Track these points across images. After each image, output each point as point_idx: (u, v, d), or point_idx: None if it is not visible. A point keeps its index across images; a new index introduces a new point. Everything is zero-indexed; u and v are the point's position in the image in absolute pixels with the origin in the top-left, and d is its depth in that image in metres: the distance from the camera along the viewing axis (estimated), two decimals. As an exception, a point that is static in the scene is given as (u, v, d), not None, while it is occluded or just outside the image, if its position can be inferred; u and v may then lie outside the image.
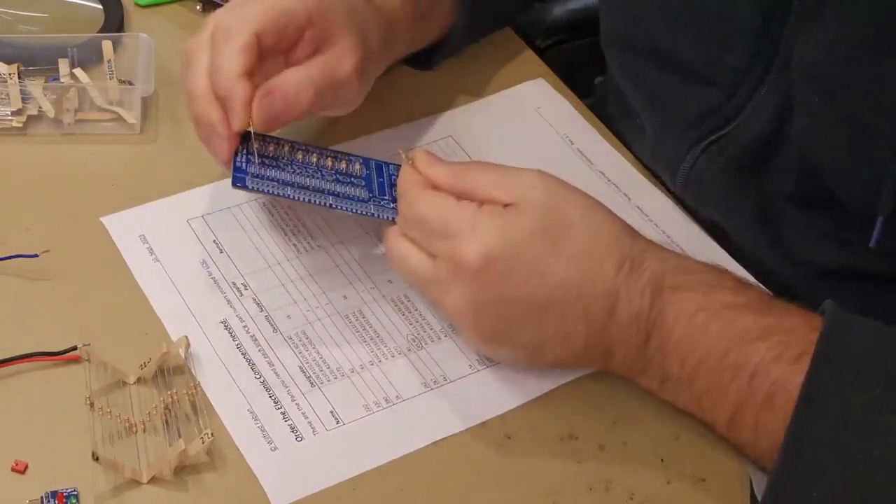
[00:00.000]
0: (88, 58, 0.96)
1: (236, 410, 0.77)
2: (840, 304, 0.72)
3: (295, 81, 0.80)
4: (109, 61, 0.96)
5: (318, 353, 0.80)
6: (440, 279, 0.75)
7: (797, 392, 0.69)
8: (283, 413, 0.77)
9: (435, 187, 0.77)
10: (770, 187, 0.84)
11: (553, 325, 0.74)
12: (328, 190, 0.81)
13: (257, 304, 0.82)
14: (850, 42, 0.75)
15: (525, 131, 0.96)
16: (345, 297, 0.83)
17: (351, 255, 0.86)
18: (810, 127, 0.79)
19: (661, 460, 0.76)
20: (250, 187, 0.80)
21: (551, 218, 0.74)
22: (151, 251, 0.85)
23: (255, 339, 0.81)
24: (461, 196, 0.75)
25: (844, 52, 0.75)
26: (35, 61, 0.95)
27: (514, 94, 0.99)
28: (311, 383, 0.78)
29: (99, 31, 0.99)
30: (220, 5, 1.01)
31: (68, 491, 0.71)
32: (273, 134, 0.82)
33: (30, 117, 0.92)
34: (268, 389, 0.78)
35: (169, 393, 0.75)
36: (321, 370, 0.79)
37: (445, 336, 0.82)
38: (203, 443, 0.72)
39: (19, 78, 0.93)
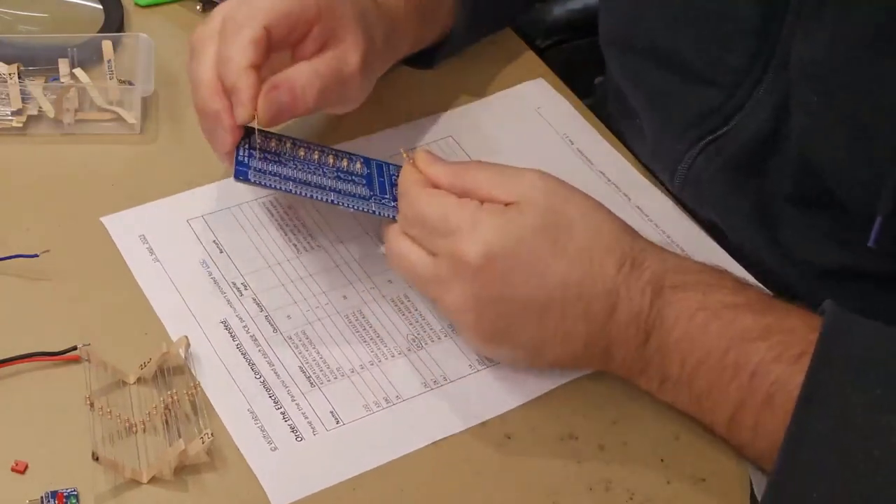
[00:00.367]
0: (88, 58, 0.96)
1: (236, 410, 0.77)
2: (840, 304, 0.72)
3: (301, 77, 0.80)
4: (109, 61, 0.96)
5: (318, 353, 0.80)
6: (440, 277, 0.75)
7: (797, 392, 0.69)
8: (283, 413, 0.77)
9: (436, 186, 0.77)
10: (768, 187, 0.84)
11: (553, 325, 0.74)
12: (330, 187, 0.81)
13: (257, 304, 0.82)
14: (849, 42, 0.75)
15: (525, 131, 0.96)
16: (345, 297, 0.83)
17: (351, 255, 0.86)
18: (809, 127, 0.79)
19: (661, 460, 0.76)
20: (252, 180, 0.80)
21: (552, 217, 0.74)
22: (151, 251, 0.85)
23: (255, 339, 0.81)
24: (462, 195, 0.76)
25: (843, 51, 0.75)
26: (35, 61, 0.95)
27: (514, 94, 0.99)
28: (311, 383, 0.78)
29: (99, 31, 0.99)
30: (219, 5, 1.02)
31: (68, 491, 0.71)
32: (274, 130, 0.82)
33: (30, 117, 0.92)
34: (268, 389, 0.78)
35: (169, 393, 0.75)
36: (321, 370, 0.79)
37: (445, 336, 0.82)
38: (203, 443, 0.72)
39: (19, 78, 0.93)
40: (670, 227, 0.89)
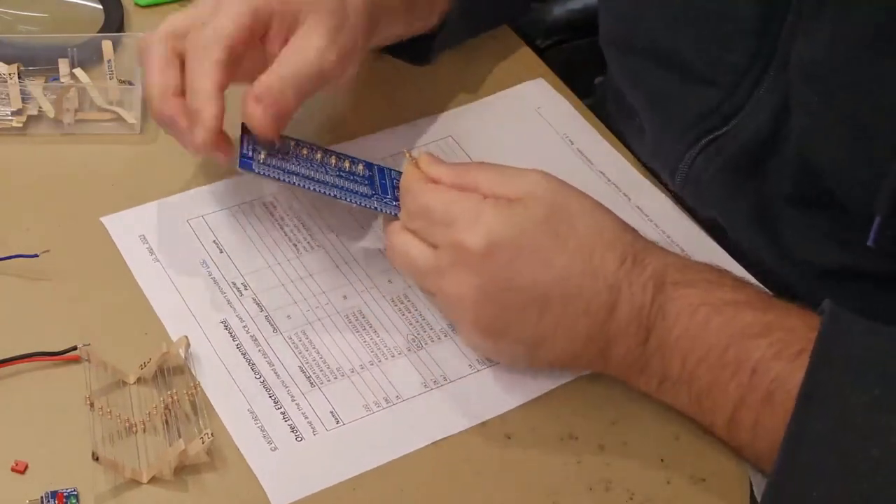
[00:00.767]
0: (88, 58, 0.96)
1: (236, 410, 0.77)
2: (839, 303, 0.72)
3: (274, 81, 0.79)
4: (109, 61, 0.96)
5: (318, 353, 0.80)
6: (441, 268, 0.75)
7: (796, 390, 0.69)
8: (283, 413, 0.77)
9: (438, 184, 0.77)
10: (768, 187, 0.84)
11: (553, 320, 0.74)
12: (332, 183, 0.81)
13: (257, 304, 0.82)
14: (849, 42, 0.75)
15: (525, 131, 0.96)
16: (345, 297, 0.83)
17: (351, 255, 0.86)
18: (809, 127, 0.79)
19: (661, 460, 0.76)
20: (256, 170, 0.80)
21: (555, 211, 0.74)
22: (151, 251, 0.85)
23: (255, 339, 0.81)
24: (463, 191, 0.76)
25: (843, 51, 0.75)
26: (35, 61, 0.95)
27: (514, 94, 0.99)
28: (311, 383, 0.78)
29: (99, 31, 0.99)
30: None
31: (68, 491, 0.71)
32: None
33: (30, 117, 0.92)
34: (268, 389, 0.78)
35: (169, 393, 0.75)
36: (321, 370, 0.79)
37: (445, 336, 0.82)
38: (203, 443, 0.72)
39: (19, 78, 0.93)
40: (670, 227, 0.89)
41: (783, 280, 0.84)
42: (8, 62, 0.93)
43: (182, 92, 0.80)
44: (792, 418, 0.69)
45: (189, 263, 0.85)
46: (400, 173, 0.82)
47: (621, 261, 0.74)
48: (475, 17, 1.00)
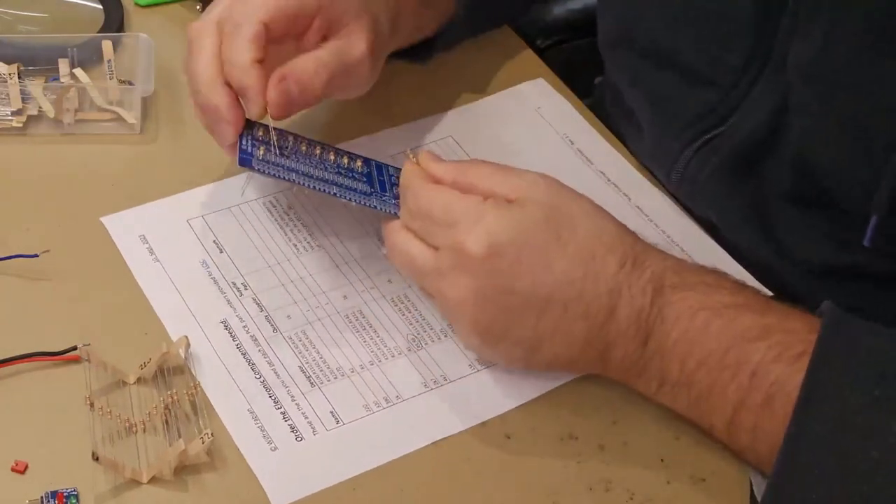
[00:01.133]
0: (88, 58, 0.96)
1: (236, 410, 0.77)
2: (838, 303, 0.72)
3: (308, 66, 0.80)
4: (109, 61, 0.96)
5: (318, 353, 0.80)
6: (441, 270, 0.75)
7: (796, 392, 0.69)
8: (283, 413, 0.77)
9: (438, 183, 0.77)
10: (765, 187, 0.84)
11: (552, 321, 0.74)
12: (331, 181, 0.81)
13: (257, 304, 0.82)
14: (845, 42, 0.75)
15: (525, 131, 0.96)
16: (345, 297, 0.83)
17: (351, 255, 0.86)
18: (806, 126, 0.79)
19: (661, 460, 0.76)
20: (256, 168, 0.80)
21: (555, 213, 0.74)
22: (151, 251, 0.85)
23: (255, 339, 0.81)
24: (464, 191, 0.76)
25: (840, 52, 0.75)
26: (35, 61, 0.95)
27: (514, 94, 0.99)
28: (311, 383, 0.78)
29: (99, 31, 0.99)
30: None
31: (68, 491, 0.71)
32: (277, 126, 0.82)
33: (30, 117, 0.92)
34: (268, 389, 0.78)
35: (169, 393, 0.75)
36: (321, 370, 0.79)
37: (445, 336, 0.82)
38: (203, 443, 0.72)
39: (19, 78, 0.93)
40: (670, 227, 0.89)
41: (780, 280, 0.84)
42: (8, 62, 0.93)
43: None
44: (792, 419, 0.69)
45: (189, 263, 0.85)
46: (398, 170, 0.82)
47: (621, 264, 0.74)
48: (479, 18, 1.00)
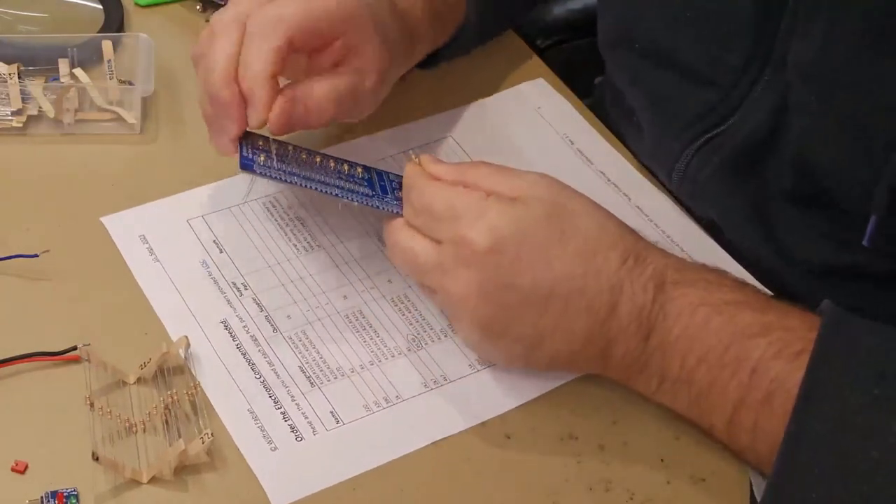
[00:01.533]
0: (88, 58, 0.96)
1: (236, 410, 0.77)
2: (838, 303, 0.72)
3: (320, 94, 0.80)
4: (109, 61, 0.96)
5: (318, 353, 0.80)
6: (444, 265, 0.74)
7: (796, 390, 0.69)
8: (283, 413, 0.77)
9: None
10: (765, 186, 0.84)
11: (554, 318, 0.74)
12: (333, 184, 0.81)
13: (257, 304, 0.82)
14: (845, 42, 0.75)
15: (525, 131, 0.96)
16: (345, 297, 0.83)
17: (351, 255, 0.86)
18: (806, 126, 0.79)
19: (661, 460, 0.76)
20: (257, 171, 0.80)
21: (557, 210, 0.75)
22: (151, 251, 0.85)
23: (255, 339, 0.81)
24: (466, 188, 0.76)
25: (839, 51, 0.75)
26: (35, 61, 0.95)
27: (514, 94, 0.99)
28: (311, 383, 0.78)
29: (99, 31, 0.99)
30: (220, 5, 1.02)
31: (68, 491, 0.71)
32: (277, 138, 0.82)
33: (30, 117, 0.92)
34: (268, 389, 0.78)
35: (169, 393, 0.75)
36: (321, 370, 0.79)
37: (445, 336, 0.82)
38: (203, 443, 0.72)
39: (19, 78, 0.93)
40: (670, 227, 0.90)
41: (780, 279, 0.84)
42: (8, 62, 0.93)
43: None
44: (791, 418, 0.69)
45: (189, 263, 0.85)
46: (398, 176, 0.82)
47: (623, 260, 0.74)
48: (487, 27, 1.00)
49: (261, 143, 0.81)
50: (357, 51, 0.82)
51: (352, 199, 0.81)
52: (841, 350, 0.70)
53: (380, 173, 0.84)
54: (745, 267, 0.85)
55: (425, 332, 0.82)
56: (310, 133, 0.90)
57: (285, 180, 0.80)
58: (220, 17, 0.81)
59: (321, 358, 0.80)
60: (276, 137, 0.82)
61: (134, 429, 0.75)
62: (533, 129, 0.97)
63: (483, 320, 0.75)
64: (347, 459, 0.75)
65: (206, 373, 0.78)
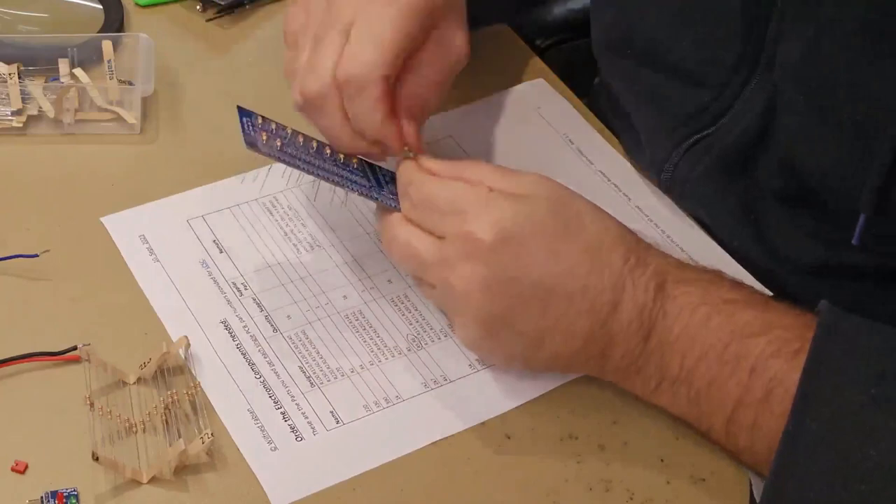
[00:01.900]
0: (88, 58, 0.96)
1: (236, 410, 0.77)
2: (830, 302, 0.72)
3: (431, 98, 0.81)
4: (109, 61, 0.96)
5: (318, 353, 0.80)
6: (448, 259, 0.74)
7: (794, 389, 0.69)
8: (283, 413, 0.77)
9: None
10: (756, 186, 0.84)
11: (556, 315, 0.74)
12: (332, 171, 0.81)
13: (257, 304, 0.83)
14: (833, 43, 0.75)
15: (525, 131, 0.96)
16: (345, 297, 0.83)
17: (351, 255, 0.86)
18: (795, 126, 0.80)
19: (661, 460, 0.76)
20: (263, 150, 0.79)
21: (562, 208, 0.75)
22: (151, 251, 0.85)
23: (255, 339, 0.81)
24: (467, 182, 0.76)
25: (827, 52, 0.75)
26: (35, 61, 0.95)
27: (514, 94, 0.99)
28: (311, 383, 0.78)
29: (99, 31, 0.99)
30: (219, 5, 1.02)
31: (68, 491, 0.71)
32: (274, 119, 0.82)
33: (30, 117, 0.92)
34: (268, 389, 0.78)
35: (169, 393, 0.75)
36: (321, 370, 0.79)
37: (445, 336, 0.82)
38: (203, 443, 0.72)
39: (19, 78, 0.93)
40: (670, 227, 0.90)
41: (770, 278, 0.84)
42: (8, 62, 0.93)
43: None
44: (789, 418, 0.69)
45: (189, 263, 0.85)
46: (390, 171, 0.81)
47: (625, 260, 0.74)
48: (480, 14, 0.99)
49: (260, 121, 0.80)
50: (441, 24, 0.81)
51: (351, 189, 0.80)
52: (838, 350, 0.70)
53: (372, 166, 0.83)
54: (739, 267, 0.86)
55: (425, 332, 0.82)
56: (313, 130, 0.90)
57: (288, 162, 0.80)
58: (313, 89, 0.79)
59: (321, 358, 0.80)
60: (274, 120, 0.81)
61: (134, 429, 0.75)
62: (533, 129, 0.97)
63: (485, 316, 0.74)
64: (347, 459, 0.75)
65: (206, 373, 0.78)
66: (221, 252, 0.86)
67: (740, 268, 0.85)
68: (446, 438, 0.77)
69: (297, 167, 0.80)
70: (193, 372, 0.78)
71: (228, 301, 0.83)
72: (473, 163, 0.79)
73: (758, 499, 0.74)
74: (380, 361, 0.80)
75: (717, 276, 0.76)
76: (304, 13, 0.81)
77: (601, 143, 0.96)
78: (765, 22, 0.80)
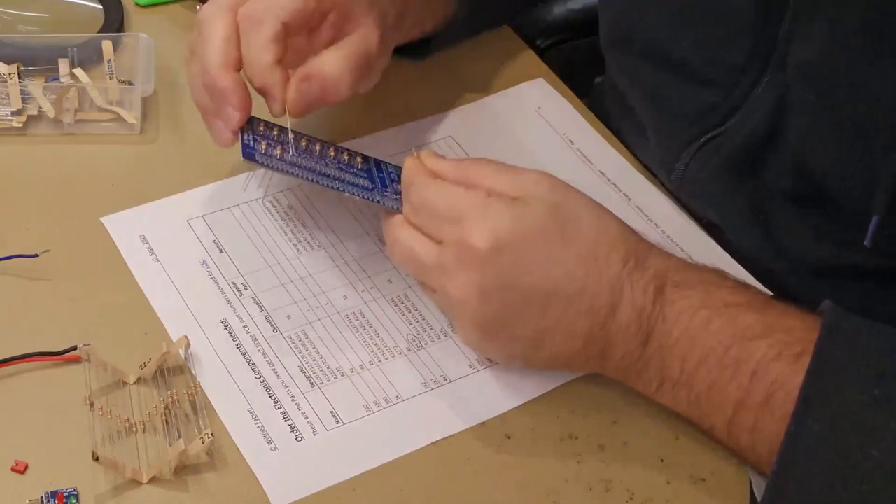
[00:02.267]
0: (88, 58, 0.96)
1: (236, 410, 0.77)
2: (838, 303, 0.72)
3: (333, 67, 0.80)
4: (109, 61, 0.96)
5: (318, 353, 0.80)
6: (445, 265, 0.74)
7: (796, 392, 0.69)
8: (283, 413, 0.77)
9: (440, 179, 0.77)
10: (765, 186, 0.84)
11: (554, 318, 0.74)
12: (333, 175, 0.81)
13: (257, 304, 0.82)
14: (845, 42, 0.75)
15: (525, 131, 0.96)
16: (345, 297, 0.83)
17: (351, 255, 0.86)
18: (806, 126, 0.79)
19: (661, 460, 0.76)
20: (259, 161, 0.80)
21: (559, 210, 0.74)
22: (151, 251, 0.85)
23: (255, 339, 0.81)
24: (468, 187, 0.76)
25: (840, 51, 0.75)
26: (35, 61, 0.95)
27: (514, 94, 0.99)
28: (311, 383, 0.78)
29: (99, 31, 0.99)
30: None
31: (68, 491, 0.71)
32: (277, 123, 0.82)
33: (30, 117, 0.92)
34: (268, 389, 0.78)
35: (169, 393, 0.75)
36: (321, 370, 0.79)
37: (445, 336, 0.82)
38: (203, 443, 0.72)
39: (19, 78, 0.93)
40: (670, 227, 0.90)
41: (779, 279, 0.84)
42: (8, 62, 0.93)
43: (240, 67, 0.80)
44: (791, 419, 0.69)
45: (189, 263, 0.85)
46: (397, 167, 0.82)
47: (624, 262, 0.74)
48: (478, 19, 1.00)
49: (262, 128, 0.81)
50: (352, 17, 0.82)
51: (352, 194, 0.80)
52: (841, 350, 0.70)
53: (378, 164, 0.83)
54: (745, 267, 0.85)
55: (425, 332, 0.82)
56: (312, 130, 0.90)
57: (286, 171, 0.80)
58: (208, 9, 0.81)
59: (321, 358, 0.80)
60: (277, 124, 0.82)
61: (134, 429, 0.75)
62: (533, 129, 0.97)
63: (483, 321, 0.75)
64: (347, 459, 0.75)
65: (206, 373, 0.78)
66: (221, 252, 0.86)
67: (741, 268, 0.85)
68: (446, 438, 0.77)
69: (297, 175, 0.80)
70: (193, 372, 0.78)
71: (228, 301, 0.83)
72: (477, 162, 0.79)
73: (758, 498, 0.74)
74: (380, 361, 0.80)
75: (720, 276, 0.76)
76: None
77: (601, 143, 0.96)
78: (777, 21, 0.80)
